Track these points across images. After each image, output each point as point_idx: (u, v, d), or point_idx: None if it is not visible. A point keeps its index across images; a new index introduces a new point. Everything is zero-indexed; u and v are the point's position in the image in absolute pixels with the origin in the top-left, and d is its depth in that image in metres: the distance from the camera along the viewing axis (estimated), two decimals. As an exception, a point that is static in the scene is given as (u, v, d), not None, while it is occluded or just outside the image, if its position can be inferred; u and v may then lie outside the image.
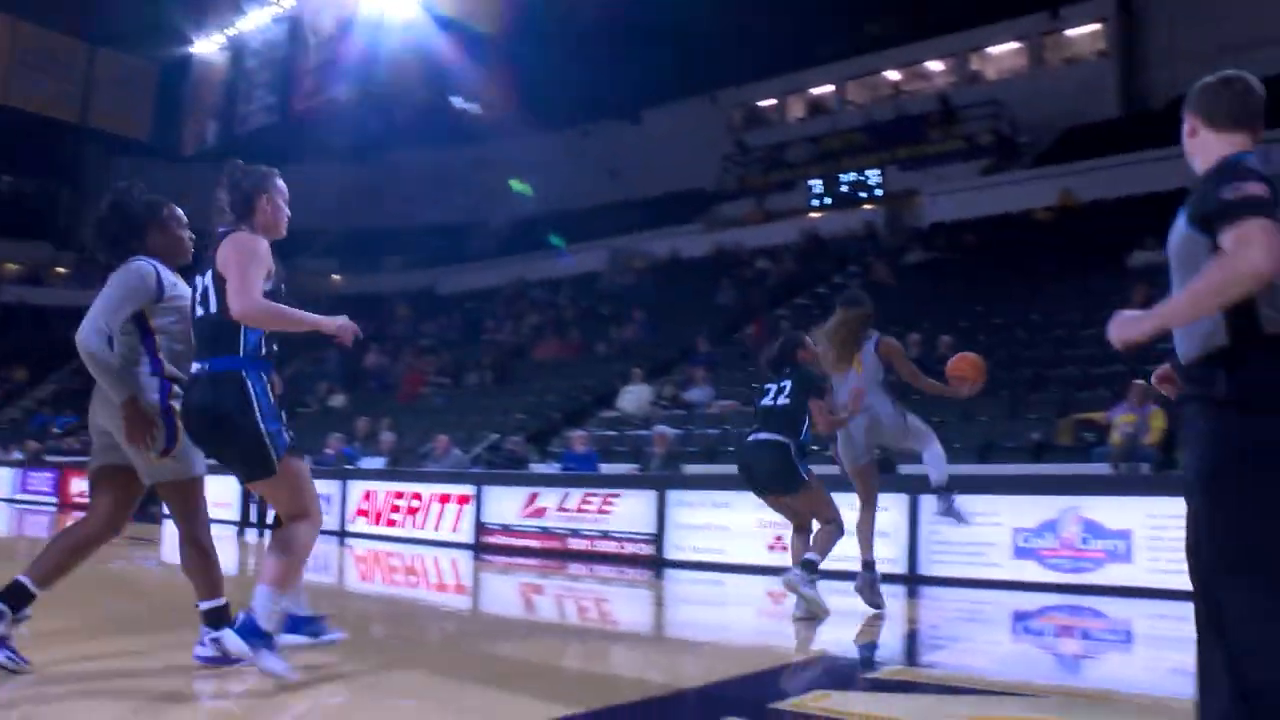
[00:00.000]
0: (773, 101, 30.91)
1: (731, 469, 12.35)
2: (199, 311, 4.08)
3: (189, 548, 4.29)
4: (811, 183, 26.76)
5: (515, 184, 34.77)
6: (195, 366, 4.03)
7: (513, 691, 4.17)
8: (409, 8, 27.74)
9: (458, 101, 29.82)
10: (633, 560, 11.21)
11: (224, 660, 4.03)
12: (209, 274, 4.04)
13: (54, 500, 20.48)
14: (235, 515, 14.66)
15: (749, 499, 10.36)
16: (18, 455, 24.37)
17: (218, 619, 4.18)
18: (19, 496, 21.59)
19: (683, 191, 29.59)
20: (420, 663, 4.96)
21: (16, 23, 33.80)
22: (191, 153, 34.90)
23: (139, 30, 33.17)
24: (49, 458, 23.34)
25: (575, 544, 11.82)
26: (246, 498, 14.25)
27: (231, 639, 3.84)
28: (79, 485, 19.90)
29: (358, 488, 14.39)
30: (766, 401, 6.83)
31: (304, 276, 37.16)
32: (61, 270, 42.22)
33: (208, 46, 33.59)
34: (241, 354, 3.93)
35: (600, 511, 11.71)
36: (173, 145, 35.82)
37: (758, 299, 21.15)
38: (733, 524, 10.58)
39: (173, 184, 30.60)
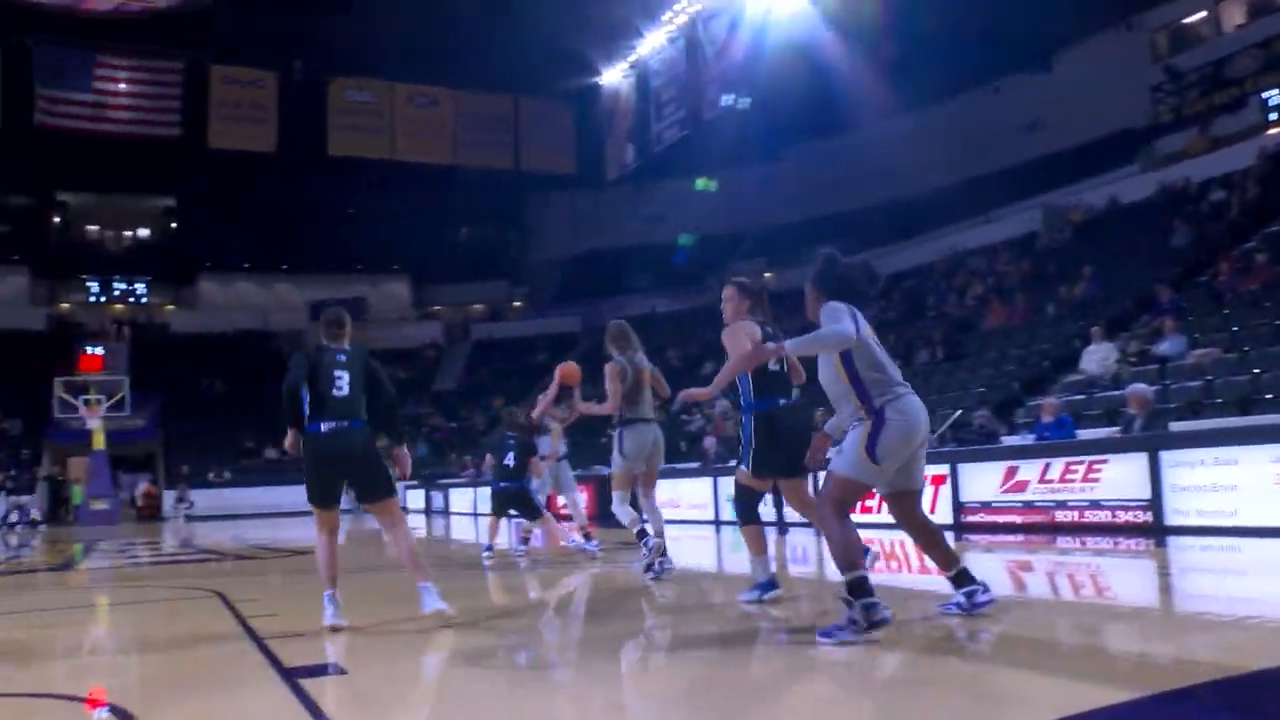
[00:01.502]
0: (1202, 14, 28.10)
1: (1233, 421, 11.40)
2: None
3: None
4: (1266, 95, 24.06)
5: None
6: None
7: (1047, 674, 4.04)
8: (794, 2, 28.04)
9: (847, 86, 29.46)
10: (1128, 529, 10.56)
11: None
12: None
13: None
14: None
15: (1262, 453, 9.51)
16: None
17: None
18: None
19: (1111, 134, 27.59)
20: (931, 648, 4.88)
21: (455, 93, 37.72)
22: (614, 177, 37.17)
23: (551, 74, 35.76)
24: (533, 474, 25.51)
25: (1062, 517, 11.31)
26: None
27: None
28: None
29: (819, 478, 14.33)
30: None
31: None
32: (517, 305, 46.46)
33: (614, 76, 35.67)
34: None
35: (1086, 480, 11.12)
36: (595, 173, 38.32)
37: (1218, 235, 19.33)
38: (1243, 482, 9.68)
39: (599, 209, 32.91)
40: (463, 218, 46.79)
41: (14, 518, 31.76)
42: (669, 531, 8.50)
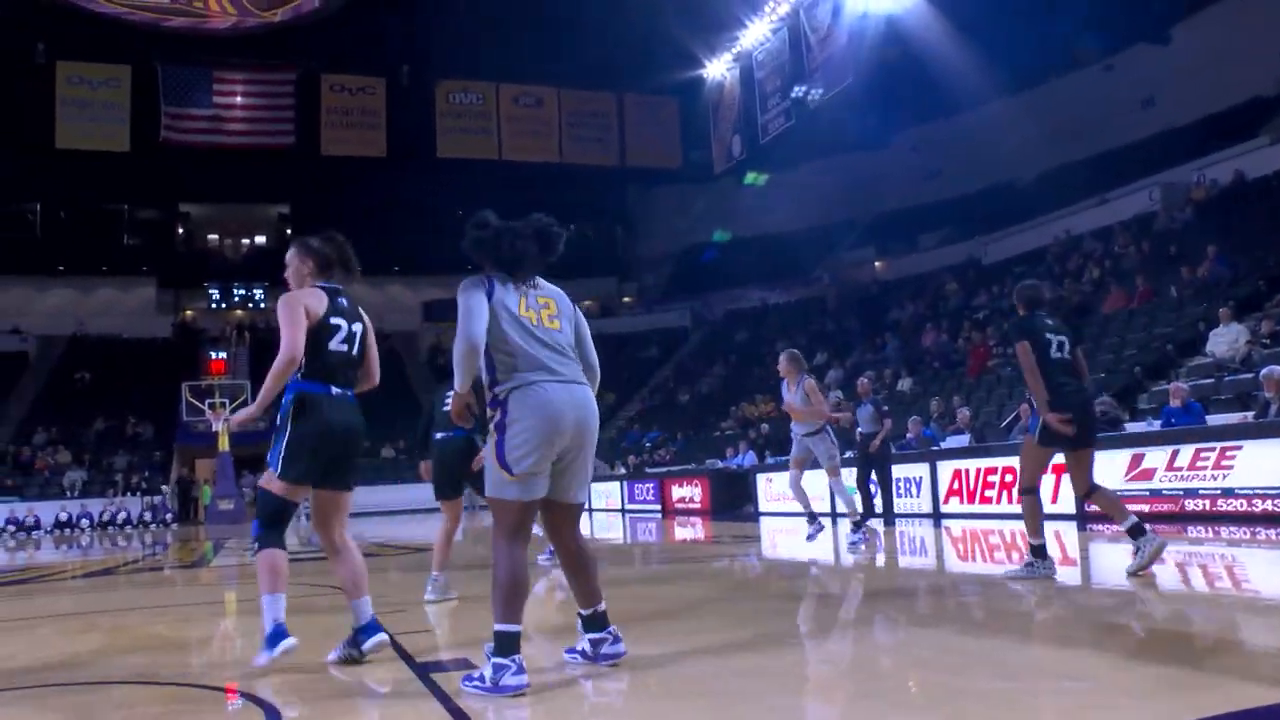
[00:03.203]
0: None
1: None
2: None
3: None
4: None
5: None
6: None
7: (1185, 669, 3.88)
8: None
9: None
10: (1265, 519, 10.14)
11: None
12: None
13: (658, 508, 22.43)
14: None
15: None
16: (621, 470, 27.28)
17: None
18: (629, 506, 24.00)
19: (1236, 105, 26.53)
20: (1066, 640, 4.73)
21: (561, 92, 38.06)
22: (721, 170, 37.06)
23: (654, 68, 35.77)
24: (648, 470, 25.85)
25: (1192, 505, 10.91)
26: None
27: None
28: (678, 493, 21.76)
29: (947, 468, 14.17)
30: None
31: (846, 267, 38.22)
32: (627, 300, 46.70)
33: (717, 68, 35.51)
34: None
35: (1218, 468, 10.71)
36: (701, 167, 38.24)
37: (1358, 206, 18.48)
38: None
39: (706, 203, 32.70)
40: (569, 215, 46.89)
41: (148, 517, 33.06)
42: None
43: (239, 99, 37.16)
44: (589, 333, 4.51)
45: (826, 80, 30.01)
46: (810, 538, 10.37)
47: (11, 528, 30.85)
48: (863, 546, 9.99)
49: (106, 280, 45.69)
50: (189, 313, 46.88)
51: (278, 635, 4.61)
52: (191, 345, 42.43)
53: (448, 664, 4.72)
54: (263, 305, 47.28)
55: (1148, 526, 6.54)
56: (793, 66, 31.48)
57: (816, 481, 11.48)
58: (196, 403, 33.67)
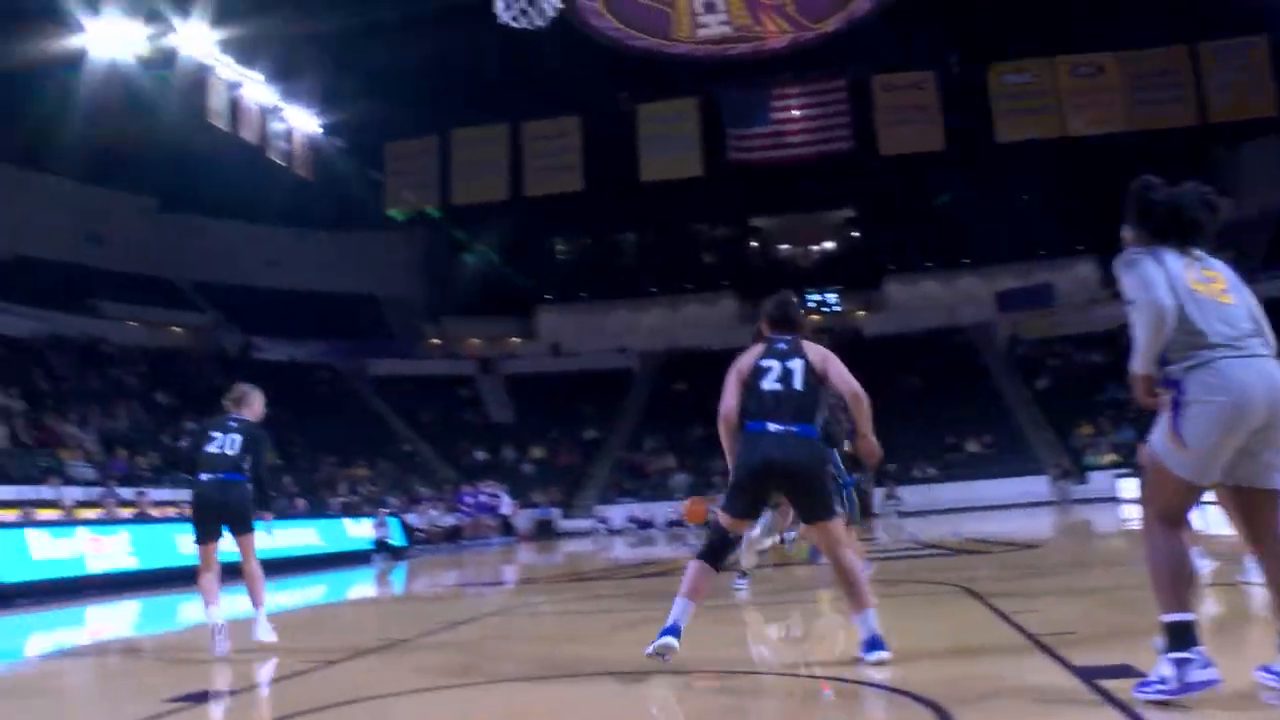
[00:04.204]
0: None
1: None
2: None
3: None
4: None
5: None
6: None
7: None
8: None
9: None
10: None
11: None
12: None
13: None
14: None
15: None
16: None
17: None
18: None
19: None
20: None
21: (1120, 55, 35.66)
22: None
23: (1230, 10, 32.32)
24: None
25: None
26: None
27: None
28: None
29: None
30: None
31: None
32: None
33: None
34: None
35: None
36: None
37: None
38: None
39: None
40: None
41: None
42: None
43: (796, 112, 38.86)
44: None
45: None
46: None
47: (633, 525, 34.60)
48: None
49: (692, 297, 49.87)
50: (767, 323, 49.67)
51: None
52: (778, 353, 44.89)
53: (1104, 670, 4.49)
54: (836, 309, 48.97)
55: None
56: None
57: None
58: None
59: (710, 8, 33.68)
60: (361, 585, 16.57)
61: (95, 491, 21.67)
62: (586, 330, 47.71)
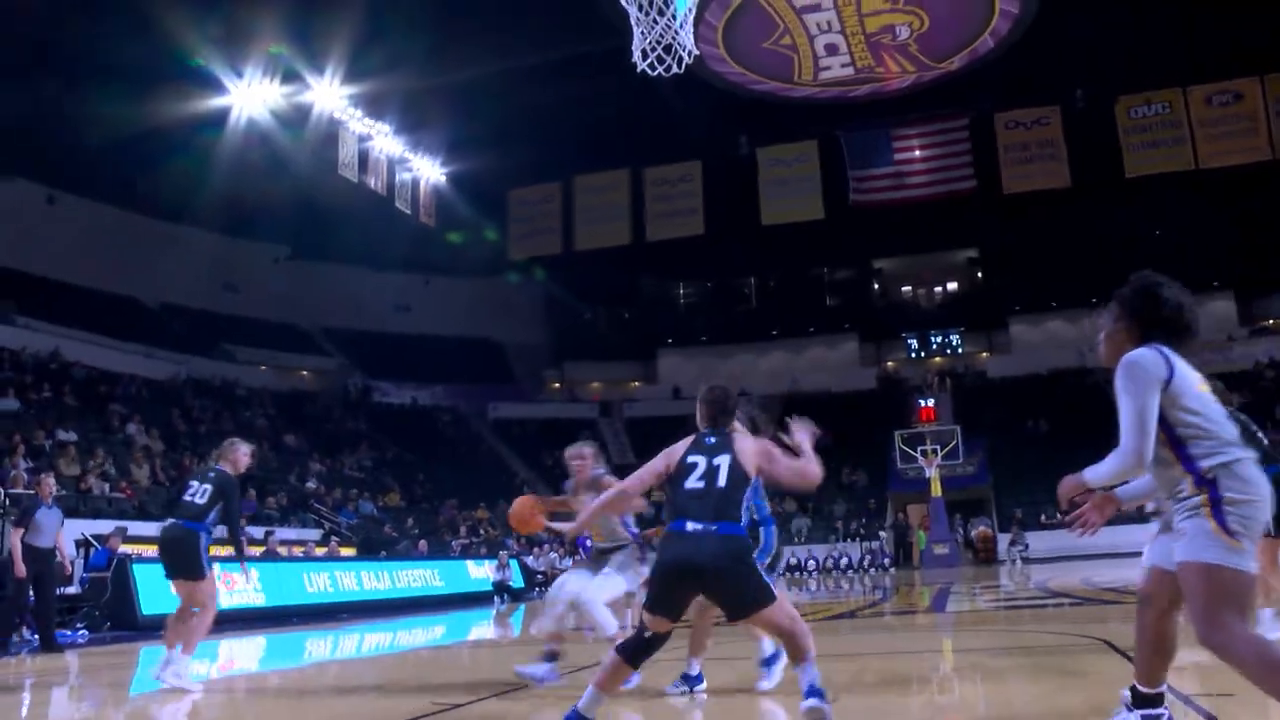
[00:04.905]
0: None
1: None
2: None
3: None
4: None
5: None
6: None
7: None
8: None
9: None
10: None
11: None
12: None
13: None
14: None
15: None
16: None
17: None
18: None
19: None
20: None
21: (1264, 80, 34.40)
22: None
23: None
24: None
25: None
26: None
27: None
28: None
29: None
30: None
31: None
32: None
33: None
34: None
35: None
36: None
37: None
38: None
39: None
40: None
41: (866, 561, 34.76)
42: None
43: (917, 152, 38.41)
44: None
45: None
46: None
47: (749, 570, 34.22)
48: None
49: (814, 340, 49.43)
50: (890, 364, 48.97)
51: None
52: (895, 394, 44.09)
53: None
54: (960, 350, 48.01)
55: None
56: None
57: None
58: (909, 450, 34.84)
59: (832, 50, 33.49)
60: (481, 626, 16.71)
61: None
62: (707, 373, 47.56)
